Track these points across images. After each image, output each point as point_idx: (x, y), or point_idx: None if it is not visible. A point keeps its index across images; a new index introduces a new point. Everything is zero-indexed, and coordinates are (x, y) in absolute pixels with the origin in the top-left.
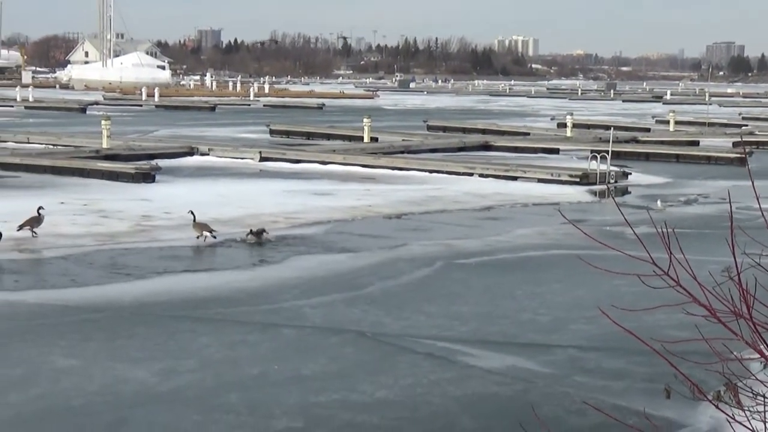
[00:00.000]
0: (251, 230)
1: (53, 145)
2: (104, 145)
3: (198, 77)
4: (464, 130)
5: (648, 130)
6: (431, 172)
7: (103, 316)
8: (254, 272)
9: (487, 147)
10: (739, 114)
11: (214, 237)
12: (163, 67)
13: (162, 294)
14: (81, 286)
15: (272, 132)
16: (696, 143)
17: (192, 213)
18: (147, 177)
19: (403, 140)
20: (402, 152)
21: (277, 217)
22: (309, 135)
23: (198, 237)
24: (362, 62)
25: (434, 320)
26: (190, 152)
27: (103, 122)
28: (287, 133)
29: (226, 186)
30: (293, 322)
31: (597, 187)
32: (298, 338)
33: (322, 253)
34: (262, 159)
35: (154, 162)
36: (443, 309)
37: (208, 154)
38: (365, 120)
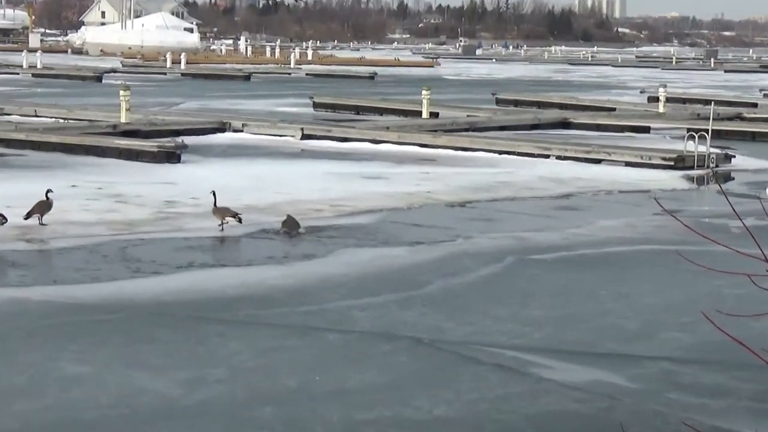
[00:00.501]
0: (284, 223)
1: (64, 119)
2: (122, 120)
3: (231, 42)
4: (539, 105)
5: (755, 105)
6: (500, 153)
7: (118, 317)
8: (293, 268)
9: (565, 124)
10: None
11: (240, 221)
12: (191, 30)
13: (186, 292)
14: (94, 282)
15: (316, 105)
16: None
17: (213, 194)
18: (171, 157)
19: (467, 116)
20: (466, 130)
21: (321, 204)
22: (358, 109)
23: (220, 225)
24: (420, 25)
25: (503, 325)
26: (222, 128)
27: (121, 93)
28: (333, 107)
29: (263, 167)
30: (338, 326)
31: (695, 172)
32: (344, 345)
33: (372, 247)
34: (304, 137)
35: (179, 139)
36: (513, 312)
37: (241, 131)
38: (424, 92)
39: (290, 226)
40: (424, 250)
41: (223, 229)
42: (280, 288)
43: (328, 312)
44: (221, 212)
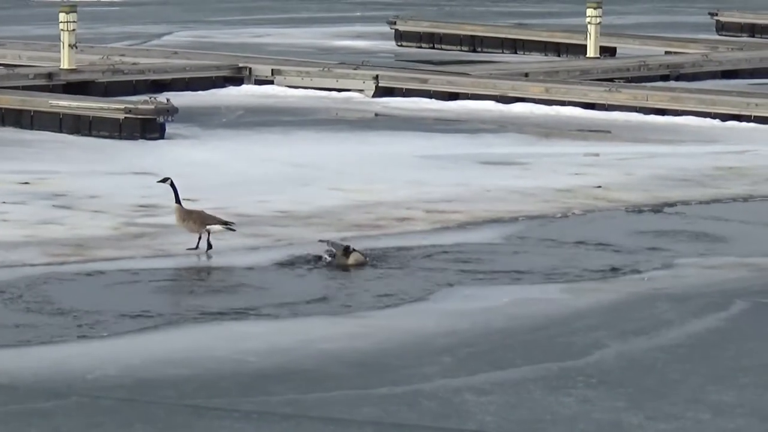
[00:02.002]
0: (329, 245)
1: None
2: (64, 65)
3: None
4: None
5: None
6: (724, 119)
7: (61, 405)
8: (359, 323)
9: None
10: None
11: (233, 229)
12: None
13: (176, 363)
14: (20, 346)
15: (401, 36)
16: None
17: (172, 185)
18: (149, 128)
19: (666, 53)
20: (665, 78)
21: (410, 209)
22: (474, 42)
23: (199, 240)
24: None
25: (729, 420)
26: (236, 78)
27: (62, 17)
28: (431, 39)
29: (307, 147)
30: (441, 421)
31: None
32: None
33: (500, 284)
34: (380, 92)
35: (162, 98)
36: (747, 398)
37: (271, 82)
38: (590, 11)
39: (332, 248)
40: (591, 289)
41: (197, 246)
42: (336, 357)
43: (422, 397)
44: (196, 219)
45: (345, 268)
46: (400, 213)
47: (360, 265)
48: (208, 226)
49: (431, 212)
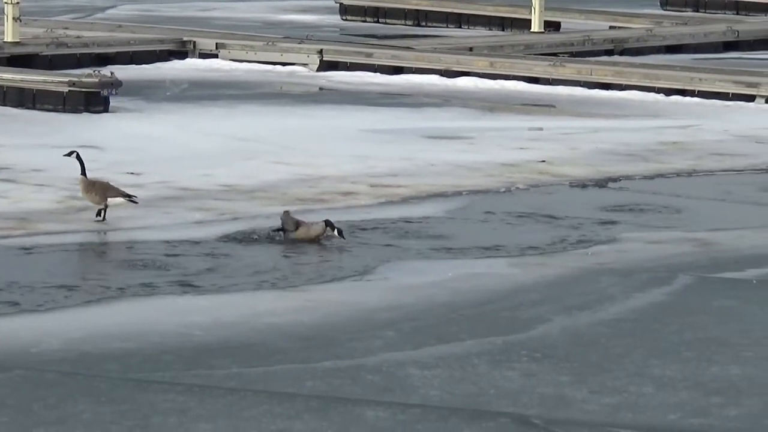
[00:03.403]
0: (281, 225)
1: None
2: (8, 38)
3: None
4: (737, 6)
5: None
6: (668, 93)
7: (3, 378)
8: (305, 297)
9: None
10: None
11: (135, 202)
12: None
13: (119, 337)
14: None
15: (346, 10)
16: None
17: (78, 157)
18: (93, 102)
19: (610, 28)
20: (609, 53)
21: (355, 183)
22: (419, 16)
23: (99, 213)
24: None
25: (672, 394)
26: (181, 51)
27: None
28: (375, 13)
29: (252, 120)
30: (385, 395)
31: None
32: (394, 428)
33: (444, 258)
34: (325, 65)
35: (106, 71)
36: (691, 372)
37: (215, 56)
38: None
39: (291, 225)
40: (534, 263)
41: (103, 218)
42: (281, 331)
43: (366, 371)
44: (98, 190)
45: (295, 241)
46: (344, 187)
47: (314, 238)
48: (109, 198)
49: (376, 186)
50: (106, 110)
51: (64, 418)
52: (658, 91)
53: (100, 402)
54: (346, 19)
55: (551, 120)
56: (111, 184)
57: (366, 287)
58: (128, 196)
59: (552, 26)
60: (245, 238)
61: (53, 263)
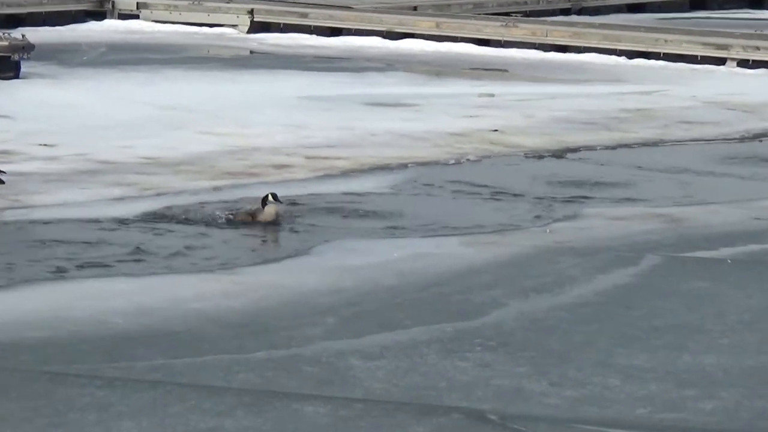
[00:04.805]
0: (239, 210)
1: None
2: None
3: None
4: None
5: None
6: (631, 56)
7: None
8: (238, 278)
9: (757, 1)
10: None
11: (2, 181)
12: None
13: (32, 325)
14: None
15: None
16: None
17: None
18: (3, 67)
19: None
20: (566, 12)
21: (290, 155)
22: None
23: None
24: None
25: (640, 386)
26: (98, 11)
27: None
28: None
29: (177, 86)
30: (325, 388)
31: None
32: (335, 424)
33: (387, 237)
34: (255, 27)
35: (17, 34)
36: (661, 362)
37: (136, 16)
38: None
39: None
40: (487, 242)
41: None
42: (209, 317)
43: (304, 362)
44: None
45: (242, 222)
46: (278, 159)
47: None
48: None
49: (312, 158)
50: (16, 76)
51: None
52: (620, 53)
53: (10, 398)
54: None
55: (504, 85)
56: None
57: (303, 269)
58: None
59: None
60: (170, 216)
61: None
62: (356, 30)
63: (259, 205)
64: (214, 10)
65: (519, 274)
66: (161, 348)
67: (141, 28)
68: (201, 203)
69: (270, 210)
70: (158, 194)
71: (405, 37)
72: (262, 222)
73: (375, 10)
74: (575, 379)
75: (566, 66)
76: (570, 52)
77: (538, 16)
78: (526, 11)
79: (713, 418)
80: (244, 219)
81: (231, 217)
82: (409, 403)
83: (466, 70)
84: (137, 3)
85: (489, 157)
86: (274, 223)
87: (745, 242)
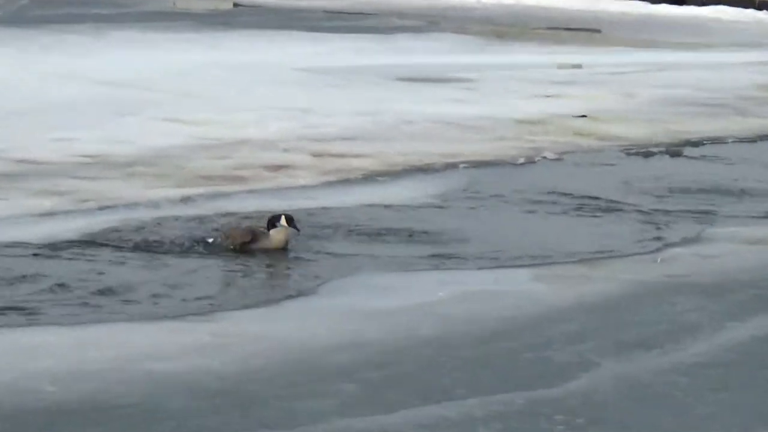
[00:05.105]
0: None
1: None
2: None
3: None
4: None
5: None
6: (759, 7)
7: None
8: (216, 328)
9: None
10: None
11: None
12: None
13: None
14: None
15: None
16: None
17: None
18: None
19: None
20: None
21: (289, 150)
22: None
23: None
24: None
25: None
26: None
27: None
28: None
29: (130, 54)
30: None
31: None
32: None
33: (429, 269)
34: None
35: None
36: None
37: None
38: None
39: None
40: (572, 275)
41: None
42: (177, 384)
43: None
44: None
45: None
46: (273, 157)
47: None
48: None
49: (322, 156)
50: None
51: None
52: (759, 5)
53: None
54: None
55: (594, 52)
56: None
57: (310, 315)
58: None
59: None
60: (120, 239)
61: None
62: None
63: (263, 225)
64: None
65: (616, 322)
66: (109, 427)
67: None
68: (163, 220)
69: (278, 237)
70: (103, 207)
71: None
72: (262, 249)
73: None
74: None
75: (682, 24)
76: (688, 4)
77: None
78: None
79: None
80: (241, 239)
81: (219, 238)
82: None
83: (540, 30)
84: None
85: (574, 152)
86: (280, 251)
87: None
